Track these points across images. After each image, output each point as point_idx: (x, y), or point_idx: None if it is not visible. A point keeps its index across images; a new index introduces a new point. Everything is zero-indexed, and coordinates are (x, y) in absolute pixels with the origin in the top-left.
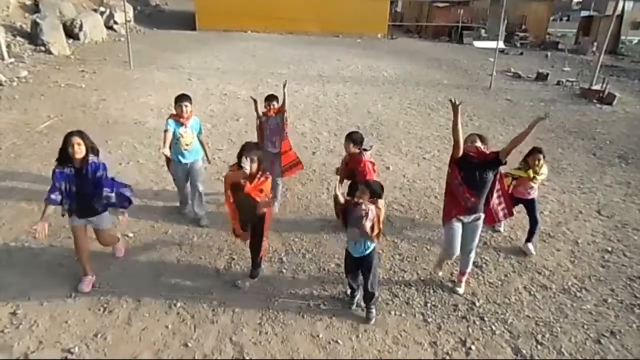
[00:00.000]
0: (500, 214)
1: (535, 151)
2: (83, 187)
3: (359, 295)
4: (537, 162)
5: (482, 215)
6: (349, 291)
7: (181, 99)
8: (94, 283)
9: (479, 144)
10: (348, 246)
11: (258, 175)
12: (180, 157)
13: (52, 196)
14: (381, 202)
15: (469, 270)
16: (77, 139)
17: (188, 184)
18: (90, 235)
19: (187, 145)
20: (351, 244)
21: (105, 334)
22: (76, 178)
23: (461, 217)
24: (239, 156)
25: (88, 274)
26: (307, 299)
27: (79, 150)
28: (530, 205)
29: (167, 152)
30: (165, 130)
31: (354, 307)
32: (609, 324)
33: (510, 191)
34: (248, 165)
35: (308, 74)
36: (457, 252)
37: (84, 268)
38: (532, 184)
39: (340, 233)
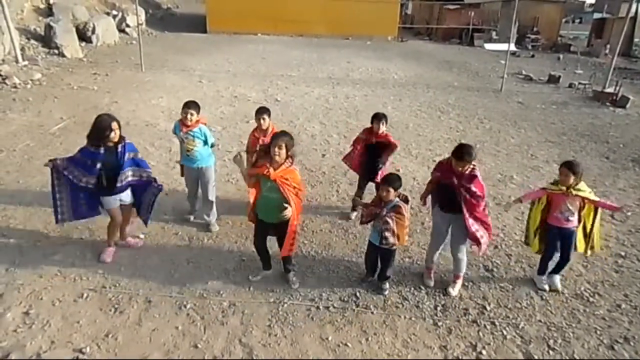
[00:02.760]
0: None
1: (562, 165)
2: (114, 165)
3: (372, 278)
4: (565, 179)
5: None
6: (365, 272)
7: (186, 105)
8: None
9: (469, 166)
10: (371, 237)
11: (284, 163)
12: (185, 160)
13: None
14: (406, 208)
15: (462, 273)
16: (115, 124)
17: (199, 193)
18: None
19: (188, 151)
20: (374, 235)
21: (116, 334)
22: (106, 157)
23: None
24: (267, 147)
25: (111, 245)
26: (316, 302)
27: (116, 135)
28: (567, 239)
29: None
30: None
31: (367, 281)
32: (622, 330)
33: (544, 219)
34: (277, 153)
35: (318, 76)
36: (441, 242)
37: (109, 239)
38: (570, 207)
39: (349, 235)
